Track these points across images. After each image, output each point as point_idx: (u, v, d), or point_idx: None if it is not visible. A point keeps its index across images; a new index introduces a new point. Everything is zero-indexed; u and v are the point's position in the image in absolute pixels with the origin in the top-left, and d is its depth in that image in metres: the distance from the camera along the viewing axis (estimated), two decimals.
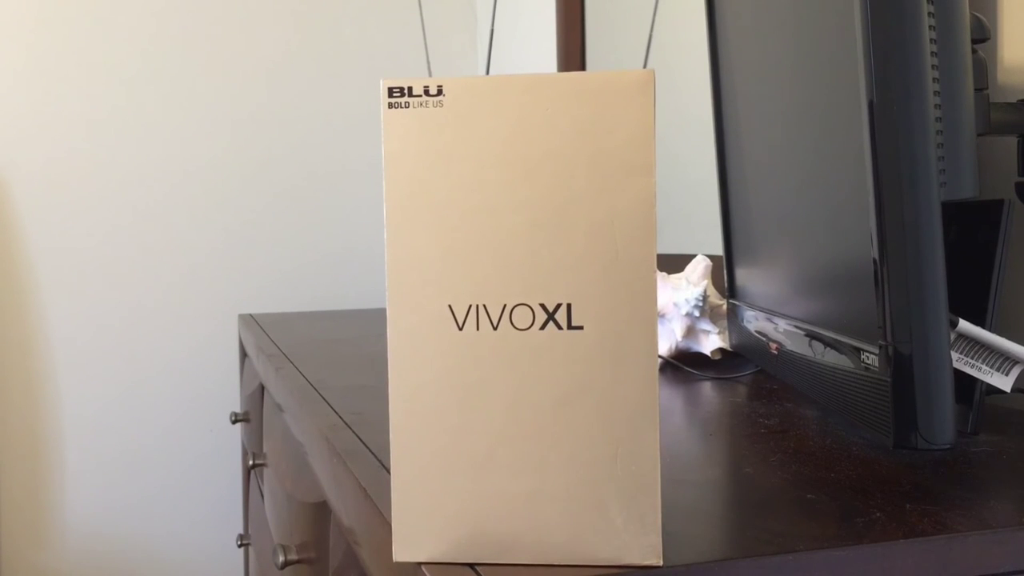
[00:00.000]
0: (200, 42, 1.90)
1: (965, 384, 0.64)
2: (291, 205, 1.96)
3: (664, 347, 0.99)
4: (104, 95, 1.85)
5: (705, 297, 0.96)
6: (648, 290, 0.41)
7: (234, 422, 1.59)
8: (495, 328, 0.42)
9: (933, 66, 0.55)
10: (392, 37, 2.00)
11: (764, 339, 0.81)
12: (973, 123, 0.60)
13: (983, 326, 0.62)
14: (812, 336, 0.69)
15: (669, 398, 0.81)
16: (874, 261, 0.56)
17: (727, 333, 0.96)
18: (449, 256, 0.42)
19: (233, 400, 1.94)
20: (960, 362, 0.61)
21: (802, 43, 0.68)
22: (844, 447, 0.63)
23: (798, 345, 0.72)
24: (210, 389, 1.93)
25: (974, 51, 0.62)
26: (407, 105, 0.42)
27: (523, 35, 1.87)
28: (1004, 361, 0.60)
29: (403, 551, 0.43)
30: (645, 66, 1.30)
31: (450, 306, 0.42)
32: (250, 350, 1.46)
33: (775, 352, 0.78)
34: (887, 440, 0.56)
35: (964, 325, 0.60)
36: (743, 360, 0.97)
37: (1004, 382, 0.61)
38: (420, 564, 0.43)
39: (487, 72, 1.59)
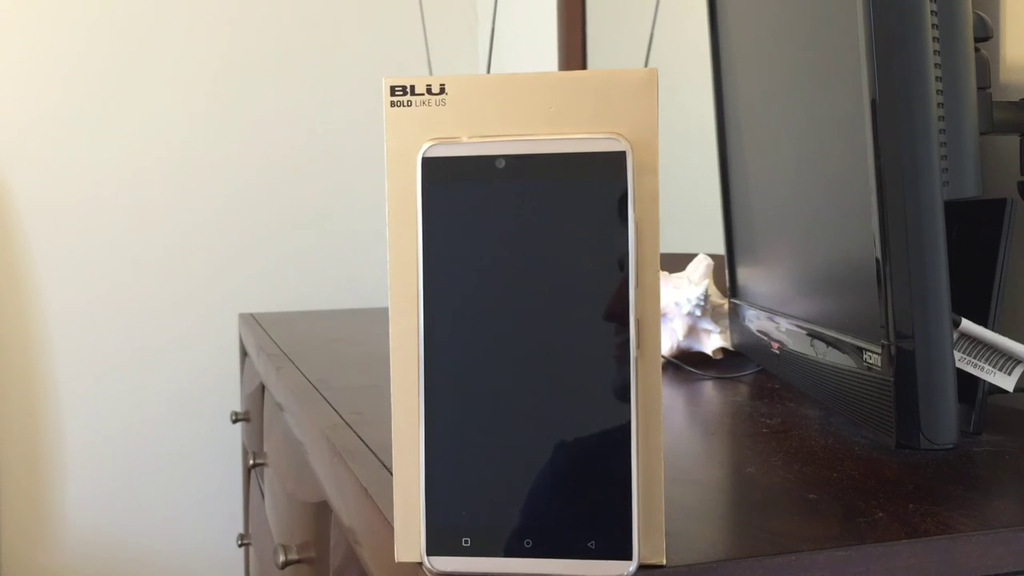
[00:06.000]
0: (200, 42, 1.90)
1: (967, 384, 0.64)
2: (292, 204, 1.96)
3: (665, 346, 0.99)
4: (104, 95, 1.85)
5: (707, 296, 0.95)
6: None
7: (234, 421, 1.59)
8: None
9: (936, 65, 0.55)
10: (393, 36, 2.00)
11: (766, 338, 0.81)
12: (976, 122, 0.60)
13: (986, 325, 0.62)
14: (814, 335, 0.69)
15: (671, 397, 0.81)
16: (876, 260, 0.56)
17: (728, 332, 0.96)
18: None
19: (233, 399, 1.94)
20: (963, 362, 0.60)
21: (804, 42, 0.68)
22: (846, 447, 0.63)
23: (800, 344, 0.72)
24: (210, 389, 1.92)
25: (977, 50, 0.62)
26: (409, 104, 0.42)
27: (524, 35, 1.87)
28: (1007, 360, 0.60)
29: (405, 551, 0.43)
30: (646, 65, 1.30)
31: None
32: (250, 349, 1.46)
33: (777, 351, 0.78)
34: (889, 440, 0.56)
35: (967, 324, 0.60)
36: (745, 359, 0.97)
37: (1007, 381, 0.61)
38: (422, 564, 0.43)
39: (488, 72, 1.59)
